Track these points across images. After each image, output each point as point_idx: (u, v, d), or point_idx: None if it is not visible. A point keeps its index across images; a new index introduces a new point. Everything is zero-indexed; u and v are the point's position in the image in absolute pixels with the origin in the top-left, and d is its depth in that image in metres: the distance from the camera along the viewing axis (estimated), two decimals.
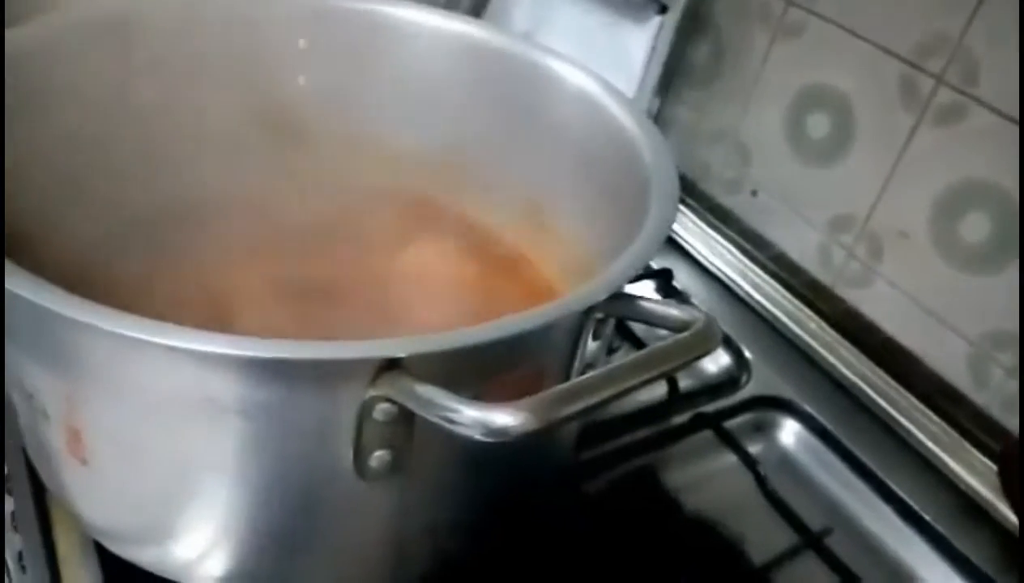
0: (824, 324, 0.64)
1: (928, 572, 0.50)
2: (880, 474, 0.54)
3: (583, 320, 0.35)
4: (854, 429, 0.57)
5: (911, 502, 0.53)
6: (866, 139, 0.62)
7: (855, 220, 0.64)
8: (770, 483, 0.53)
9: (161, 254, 0.48)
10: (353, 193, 0.55)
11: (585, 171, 0.50)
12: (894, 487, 0.53)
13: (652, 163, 0.43)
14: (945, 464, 0.56)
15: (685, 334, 0.31)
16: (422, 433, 0.32)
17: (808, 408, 0.58)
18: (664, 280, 0.67)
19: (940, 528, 0.51)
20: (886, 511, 0.53)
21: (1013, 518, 0.52)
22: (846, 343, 0.63)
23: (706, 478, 0.54)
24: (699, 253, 0.71)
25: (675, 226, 0.73)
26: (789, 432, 0.58)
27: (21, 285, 0.29)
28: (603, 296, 0.34)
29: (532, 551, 0.45)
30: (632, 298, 0.35)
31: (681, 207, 0.73)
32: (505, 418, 0.27)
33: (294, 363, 0.29)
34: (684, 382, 0.58)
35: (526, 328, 0.32)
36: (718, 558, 0.49)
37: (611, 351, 0.57)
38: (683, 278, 0.68)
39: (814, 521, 0.51)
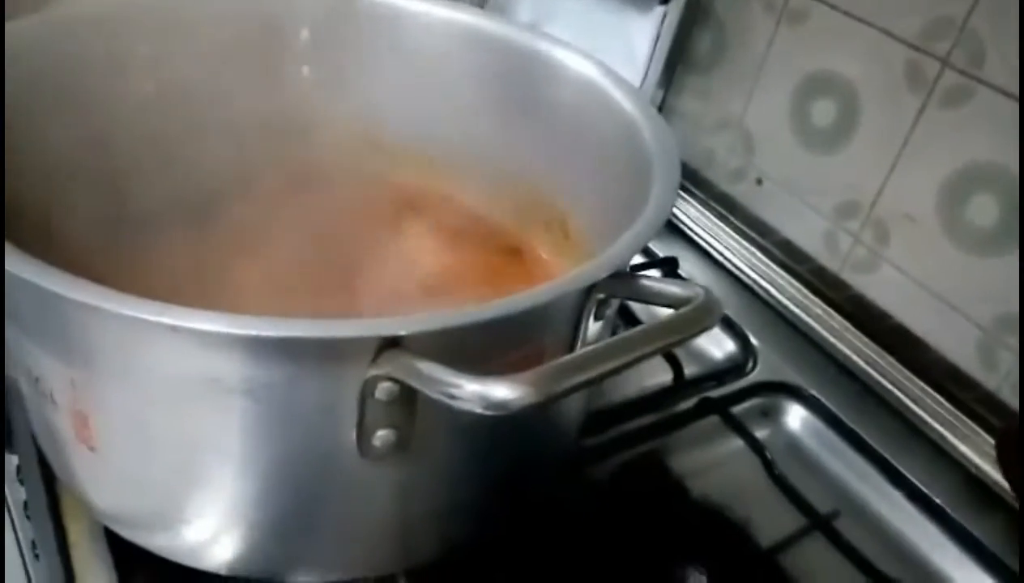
0: (830, 310, 0.64)
1: (937, 555, 0.50)
2: (888, 457, 0.54)
3: (584, 299, 0.35)
4: (861, 413, 0.57)
5: (920, 485, 0.53)
6: (871, 124, 0.62)
7: (861, 206, 0.64)
8: (777, 467, 0.53)
9: (163, 247, 0.48)
10: (356, 183, 0.55)
11: (590, 158, 0.50)
12: (903, 470, 0.53)
13: (654, 147, 0.44)
14: (954, 447, 0.56)
15: (686, 308, 0.31)
16: (425, 412, 0.32)
17: (815, 393, 0.58)
18: (670, 268, 0.67)
19: (949, 511, 0.51)
20: (895, 495, 0.53)
21: None
22: (852, 328, 0.63)
23: (713, 463, 0.54)
24: (704, 241, 0.71)
25: (681, 214, 0.73)
26: (796, 417, 0.58)
27: (25, 269, 0.29)
28: (603, 275, 0.34)
29: (538, 535, 0.45)
30: (633, 277, 0.35)
31: (686, 196, 0.74)
32: (505, 391, 0.27)
33: (296, 341, 0.29)
34: (690, 368, 0.58)
35: (527, 306, 0.32)
36: (725, 541, 0.49)
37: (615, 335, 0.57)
38: (689, 266, 0.68)
39: (822, 504, 0.51)
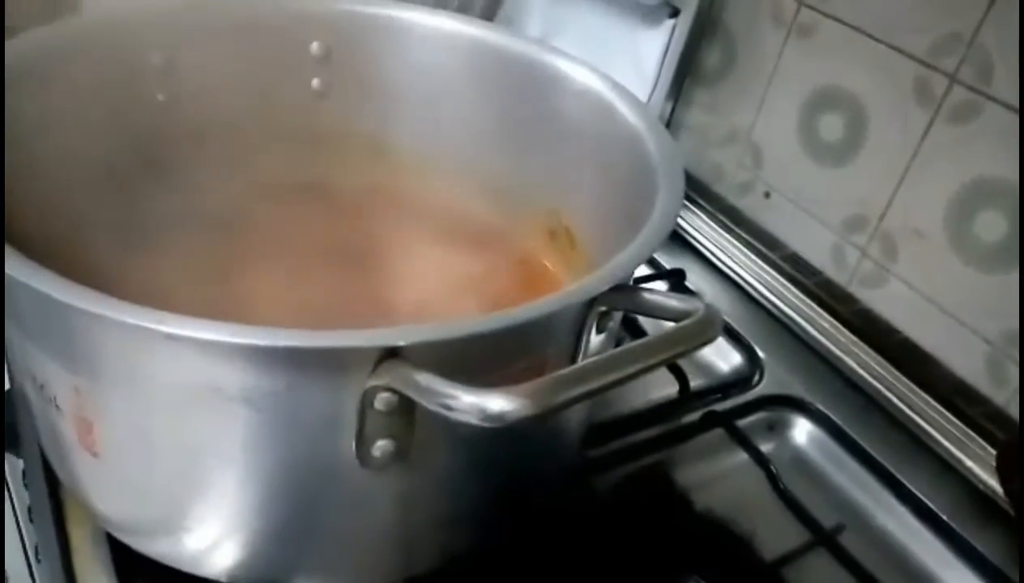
0: (837, 324, 0.64)
1: (943, 571, 0.50)
2: (894, 472, 0.54)
3: (586, 312, 0.35)
4: (868, 428, 0.56)
5: (926, 500, 0.52)
6: (879, 139, 0.62)
7: (869, 220, 0.63)
8: (782, 481, 0.52)
9: (172, 256, 0.48)
10: (363, 193, 0.56)
11: (597, 171, 0.50)
12: (908, 485, 0.53)
13: (659, 160, 0.44)
14: (961, 462, 0.55)
15: (687, 322, 0.31)
16: (424, 423, 0.32)
17: (821, 407, 0.58)
18: (677, 280, 0.67)
19: (955, 526, 0.51)
20: (900, 510, 0.53)
21: None
22: (860, 343, 0.62)
23: (718, 476, 0.53)
24: (712, 254, 0.71)
25: (688, 226, 0.73)
26: (802, 431, 0.58)
27: (29, 275, 0.30)
28: (605, 287, 0.34)
29: (540, 546, 0.45)
30: (634, 290, 0.35)
31: (694, 208, 0.74)
32: (502, 403, 0.27)
33: (296, 351, 0.30)
34: (696, 381, 0.58)
35: (527, 319, 0.32)
36: (729, 555, 0.49)
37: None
38: (696, 279, 0.68)
39: (827, 519, 0.51)
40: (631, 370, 0.30)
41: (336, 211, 0.56)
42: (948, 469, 0.55)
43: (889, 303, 0.63)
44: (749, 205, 0.73)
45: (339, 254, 0.53)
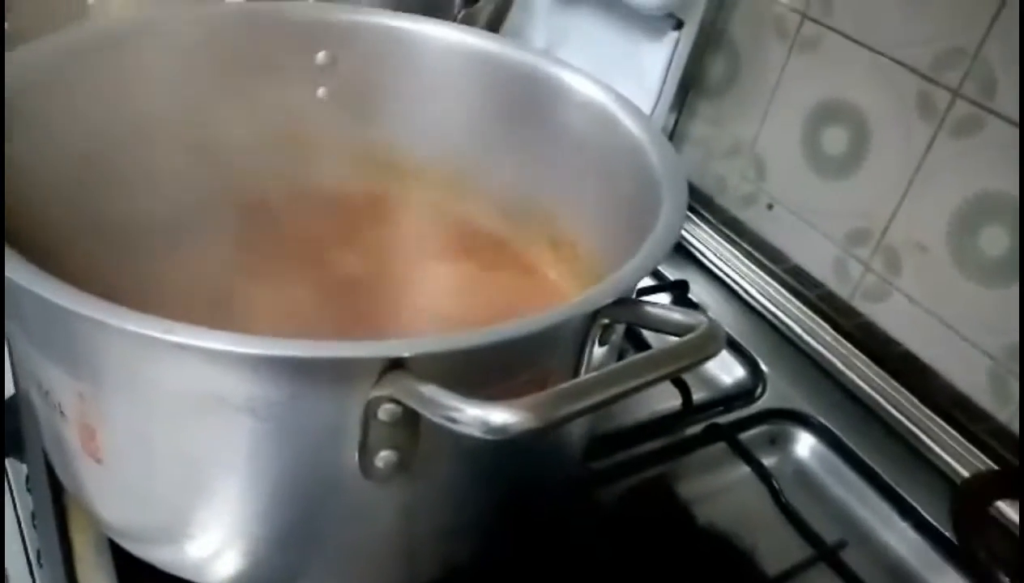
0: (840, 337, 0.64)
1: None
2: (896, 487, 0.54)
3: (589, 324, 0.35)
4: (870, 442, 0.56)
5: (927, 516, 0.52)
6: (882, 152, 0.62)
7: (872, 233, 0.63)
8: (784, 495, 0.52)
9: (173, 263, 0.48)
10: (366, 203, 0.56)
11: (600, 182, 0.50)
12: (911, 500, 0.53)
13: (662, 172, 0.44)
14: (963, 478, 0.55)
15: (689, 336, 0.31)
16: (427, 434, 0.33)
17: (824, 421, 0.58)
18: (680, 292, 0.67)
19: (957, 542, 0.51)
20: (902, 525, 0.53)
21: None
22: (863, 356, 0.62)
23: (720, 490, 0.53)
24: (715, 266, 0.71)
25: (692, 238, 0.73)
26: (804, 445, 0.58)
27: (35, 282, 0.30)
28: (608, 300, 0.34)
29: (542, 559, 0.45)
30: (637, 303, 0.35)
31: (697, 220, 0.74)
32: (505, 416, 0.27)
33: (301, 361, 0.30)
34: (698, 394, 0.58)
35: (531, 330, 0.32)
36: (731, 570, 0.49)
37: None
38: (699, 290, 0.68)
39: (829, 534, 0.50)
40: (633, 384, 0.30)
41: (339, 220, 0.56)
42: (950, 484, 0.55)
43: (892, 317, 0.63)
44: (752, 217, 0.73)
45: (341, 264, 0.53)
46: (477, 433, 0.28)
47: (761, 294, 0.68)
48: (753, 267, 0.70)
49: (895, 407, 0.59)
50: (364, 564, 0.39)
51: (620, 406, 0.53)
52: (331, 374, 0.31)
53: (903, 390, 0.60)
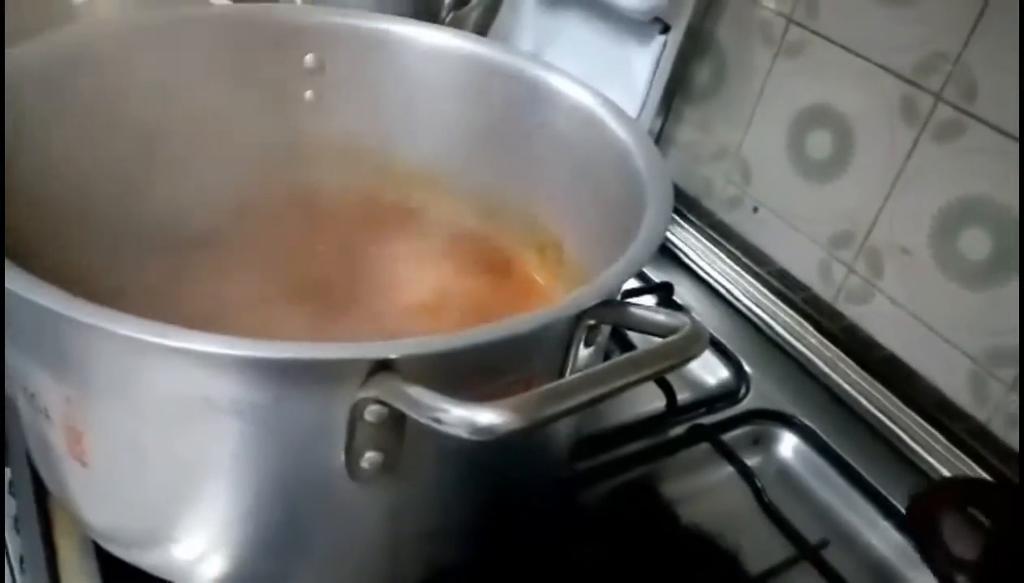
0: (824, 339, 0.65)
1: None
2: (878, 487, 0.54)
3: (574, 326, 0.35)
4: (853, 443, 0.57)
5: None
6: (866, 156, 0.63)
7: (855, 236, 0.64)
8: (767, 495, 0.53)
9: (164, 267, 0.48)
10: (355, 205, 0.56)
11: (586, 185, 0.51)
12: (892, 500, 0.53)
13: (647, 174, 0.44)
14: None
15: (673, 337, 0.31)
16: (413, 436, 0.33)
17: (807, 422, 0.58)
18: (665, 294, 0.67)
19: None
20: (884, 525, 0.53)
21: None
22: (846, 358, 0.63)
23: (703, 490, 0.54)
24: (700, 268, 0.71)
25: (677, 241, 0.73)
26: (787, 445, 0.58)
27: (21, 285, 0.30)
28: (593, 302, 0.34)
29: (526, 560, 0.45)
30: (622, 304, 0.35)
31: (682, 223, 0.74)
32: (491, 416, 0.27)
33: (286, 363, 0.30)
34: (682, 394, 0.58)
35: (516, 332, 0.32)
36: (714, 569, 0.49)
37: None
38: (683, 292, 0.69)
39: (811, 533, 0.51)
40: (618, 384, 0.30)
41: (326, 223, 0.56)
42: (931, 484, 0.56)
43: (874, 319, 0.64)
44: (737, 220, 0.73)
45: (328, 267, 0.53)
46: (463, 434, 0.28)
47: (746, 296, 0.69)
48: (738, 269, 0.71)
49: (877, 408, 0.60)
50: (349, 566, 0.40)
51: (604, 407, 0.53)
52: (318, 376, 0.31)
53: (885, 391, 0.61)
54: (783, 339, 0.65)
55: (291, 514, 0.36)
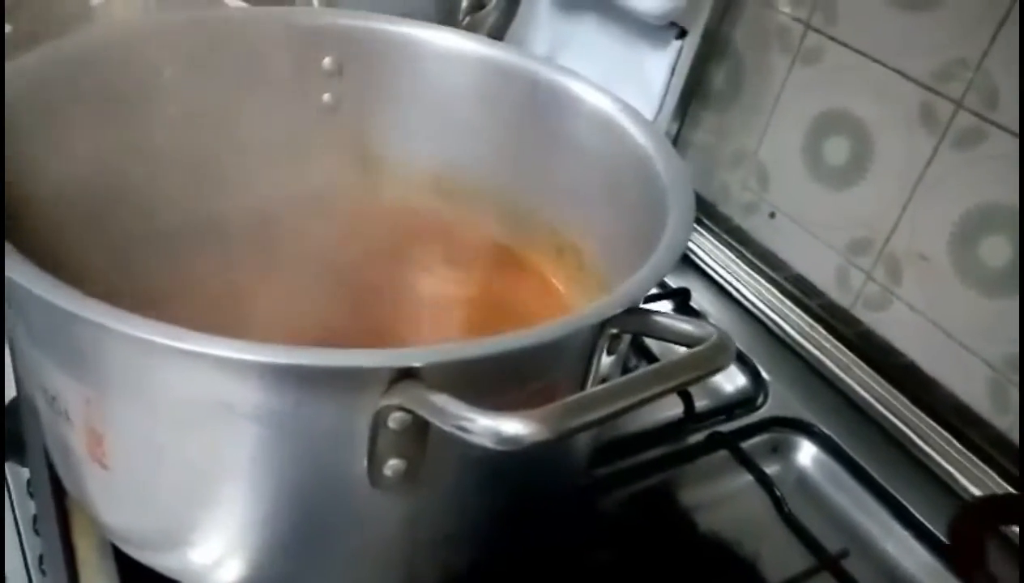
0: (842, 346, 0.64)
1: None
2: (898, 496, 0.54)
3: (598, 334, 0.35)
4: (872, 451, 0.57)
5: (929, 525, 0.52)
6: (885, 163, 0.62)
7: (874, 243, 0.64)
8: (787, 504, 0.52)
9: (179, 267, 0.48)
10: (373, 209, 0.56)
11: (605, 191, 0.50)
12: (912, 510, 0.53)
13: (668, 181, 0.44)
14: (964, 488, 0.55)
15: (699, 348, 0.31)
16: (436, 443, 0.32)
17: (826, 430, 0.58)
18: (681, 300, 0.67)
19: None
20: (903, 534, 0.53)
21: None
22: (864, 365, 0.63)
23: (722, 498, 0.53)
24: (717, 274, 0.71)
25: (693, 247, 0.73)
26: (806, 454, 0.58)
27: (43, 287, 0.30)
28: (617, 310, 0.34)
29: (544, 566, 0.45)
30: (646, 313, 0.35)
31: (699, 228, 0.74)
32: (517, 427, 0.27)
33: (309, 370, 0.30)
34: (700, 402, 0.58)
35: (540, 340, 0.32)
36: (733, 578, 0.49)
37: (627, 370, 0.57)
38: (700, 299, 0.69)
39: (831, 543, 0.51)
40: (645, 395, 0.30)
41: (344, 227, 0.56)
42: (951, 493, 0.55)
43: (893, 326, 0.63)
44: (754, 226, 0.73)
45: (346, 271, 0.53)
46: (489, 444, 0.28)
47: (763, 302, 0.68)
48: (755, 275, 0.70)
49: (896, 416, 0.59)
50: (366, 571, 0.39)
51: None
52: (341, 383, 0.31)
53: (904, 399, 0.60)
54: (801, 346, 0.65)
55: (309, 520, 0.36)
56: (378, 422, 0.31)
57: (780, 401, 0.60)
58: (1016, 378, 0.56)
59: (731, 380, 0.61)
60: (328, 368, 0.30)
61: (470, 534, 0.41)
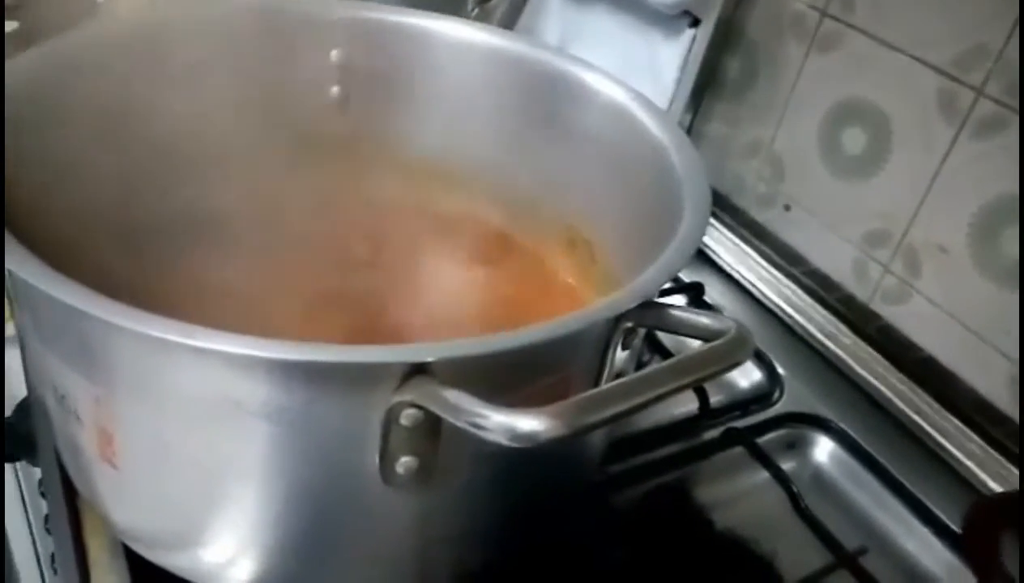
0: (859, 340, 0.63)
1: None
2: (917, 493, 0.53)
3: (612, 329, 0.34)
4: (890, 447, 0.56)
5: (948, 522, 0.51)
6: (903, 152, 0.61)
7: (892, 235, 0.63)
8: (803, 501, 0.52)
9: (186, 263, 0.48)
10: (381, 202, 0.55)
11: (618, 182, 0.50)
12: (931, 506, 0.52)
13: (684, 174, 0.43)
14: (984, 483, 0.54)
15: (718, 342, 0.30)
16: (448, 440, 0.32)
17: (843, 425, 0.57)
18: (695, 294, 0.66)
19: None
20: (923, 531, 0.52)
21: None
22: (882, 359, 0.62)
23: (738, 495, 0.53)
24: (731, 267, 0.70)
25: (707, 240, 0.72)
26: (823, 450, 0.57)
27: (52, 286, 0.29)
28: (633, 304, 0.33)
29: (558, 564, 0.45)
30: (662, 307, 0.34)
31: (713, 221, 0.73)
32: (532, 423, 0.27)
33: (320, 366, 0.29)
34: (715, 397, 0.57)
35: (555, 335, 0.31)
36: (750, 576, 0.48)
37: (641, 365, 0.57)
38: (714, 292, 0.68)
39: (849, 540, 0.50)
40: (663, 390, 0.29)
41: (353, 220, 0.55)
42: (971, 490, 0.54)
43: (911, 320, 0.62)
44: (769, 218, 0.72)
45: (355, 265, 0.53)
46: (503, 440, 0.27)
47: (778, 296, 0.67)
48: (770, 269, 0.69)
49: (915, 411, 0.58)
50: (378, 569, 0.39)
51: None
52: (352, 379, 0.31)
53: (923, 394, 0.59)
54: (817, 340, 0.64)
55: (321, 518, 0.35)
56: (390, 419, 0.31)
57: (796, 396, 0.59)
58: None
59: (746, 375, 0.61)
60: (339, 364, 0.29)
61: (483, 532, 0.40)
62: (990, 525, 0.47)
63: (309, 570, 0.37)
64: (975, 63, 0.56)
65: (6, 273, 0.32)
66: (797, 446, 0.57)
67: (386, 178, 0.56)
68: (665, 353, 0.59)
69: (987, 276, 0.57)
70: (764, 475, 0.53)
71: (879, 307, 0.64)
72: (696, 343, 0.32)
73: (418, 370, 0.29)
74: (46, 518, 0.46)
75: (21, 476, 0.54)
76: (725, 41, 0.71)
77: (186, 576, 0.39)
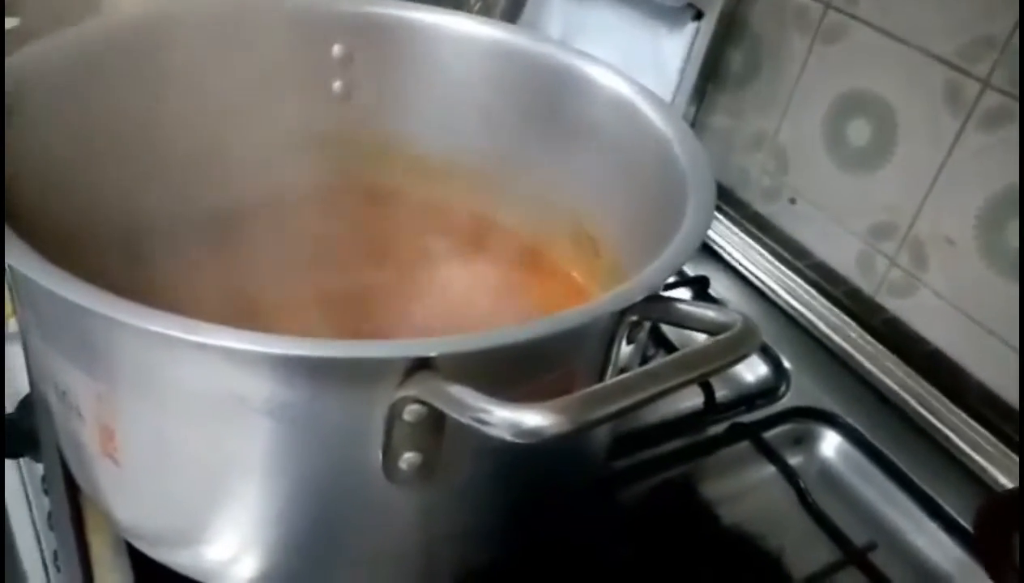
0: (865, 334, 0.63)
1: None
2: (925, 488, 0.53)
3: (617, 323, 0.34)
4: (898, 442, 0.55)
5: (957, 517, 0.51)
6: (909, 144, 0.61)
7: (897, 227, 0.62)
8: (811, 496, 0.51)
9: (191, 260, 0.48)
10: (385, 199, 0.55)
11: (622, 176, 0.50)
12: (940, 501, 0.52)
13: (688, 167, 0.43)
14: (994, 478, 0.54)
15: (724, 335, 0.30)
16: (452, 436, 0.32)
17: (850, 420, 0.56)
18: (700, 287, 0.66)
19: None
20: (931, 526, 0.51)
21: None
22: (889, 353, 0.61)
23: (745, 490, 0.52)
24: (736, 261, 0.70)
25: (711, 234, 0.72)
26: (830, 444, 0.56)
27: (54, 281, 0.29)
28: (638, 298, 0.33)
29: (563, 560, 0.44)
30: (668, 300, 0.34)
31: (718, 215, 0.73)
32: (537, 419, 0.26)
33: (323, 361, 0.29)
34: (721, 392, 0.57)
35: (559, 329, 0.31)
36: (757, 572, 0.48)
37: (645, 359, 0.56)
38: (719, 286, 0.67)
39: (857, 536, 0.49)
40: (669, 385, 0.29)
41: (356, 216, 0.55)
42: (980, 484, 0.54)
43: (918, 313, 0.62)
44: (774, 211, 0.72)
45: (358, 260, 0.52)
46: (507, 436, 0.27)
47: (784, 290, 0.67)
48: (775, 262, 0.69)
49: (923, 405, 0.58)
50: (382, 566, 0.39)
51: None
52: (355, 375, 0.30)
53: (931, 387, 0.59)
54: (823, 334, 0.63)
55: (324, 515, 0.35)
56: (393, 415, 0.30)
57: (802, 391, 0.58)
58: None
59: (752, 370, 0.60)
60: (342, 359, 0.29)
61: (487, 528, 0.40)
62: (1002, 521, 0.46)
63: (312, 567, 0.37)
64: (981, 54, 0.55)
65: (7, 269, 0.32)
66: (804, 441, 0.56)
67: (387, 171, 0.56)
68: (670, 347, 0.58)
69: (994, 268, 0.57)
70: (771, 470, 0.53)
71: (885, 300, 0.64)
72: (701, 337, 0.32)
73: (421, 365, 0.29)
74: (49, 515, 0.46)
75: (25, 472, 0.54)
76: (728, 34, 0.71)
77: (189, 573, 0.39)
